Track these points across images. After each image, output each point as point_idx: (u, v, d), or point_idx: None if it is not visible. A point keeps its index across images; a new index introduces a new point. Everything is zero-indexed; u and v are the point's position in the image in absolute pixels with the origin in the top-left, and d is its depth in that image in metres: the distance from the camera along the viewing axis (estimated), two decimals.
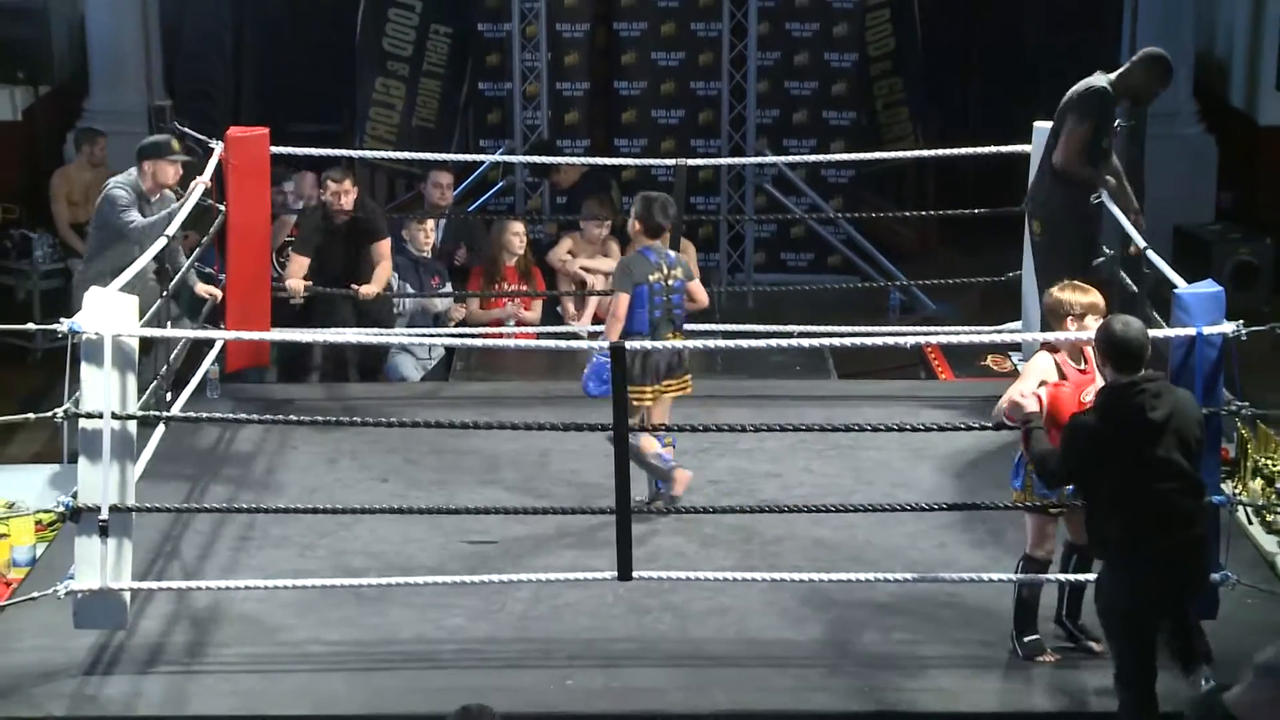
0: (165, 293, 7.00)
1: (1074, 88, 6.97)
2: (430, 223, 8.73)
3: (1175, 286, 5.83)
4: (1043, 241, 7.15)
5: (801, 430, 6.56)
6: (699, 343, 6.56)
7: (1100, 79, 6.92)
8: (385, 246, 8.17)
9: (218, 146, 7.53)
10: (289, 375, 8.51)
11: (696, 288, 6.53)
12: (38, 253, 9.95)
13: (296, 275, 8.02)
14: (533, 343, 8.17)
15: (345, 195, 8.03)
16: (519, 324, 8.92)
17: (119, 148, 9.46)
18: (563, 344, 7.18)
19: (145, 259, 6.72)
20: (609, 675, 5.53)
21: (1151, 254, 6.51)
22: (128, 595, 5.56)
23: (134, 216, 7.16)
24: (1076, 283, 5.62)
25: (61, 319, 5.44)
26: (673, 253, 6.62)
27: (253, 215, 7.67)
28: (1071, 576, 5.59)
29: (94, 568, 5.44)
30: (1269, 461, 6.84)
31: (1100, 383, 5.10)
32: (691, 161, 8.49)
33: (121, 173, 7.37)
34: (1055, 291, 5.56)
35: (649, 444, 6.37)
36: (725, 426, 6.25)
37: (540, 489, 6.84)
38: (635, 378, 6.22)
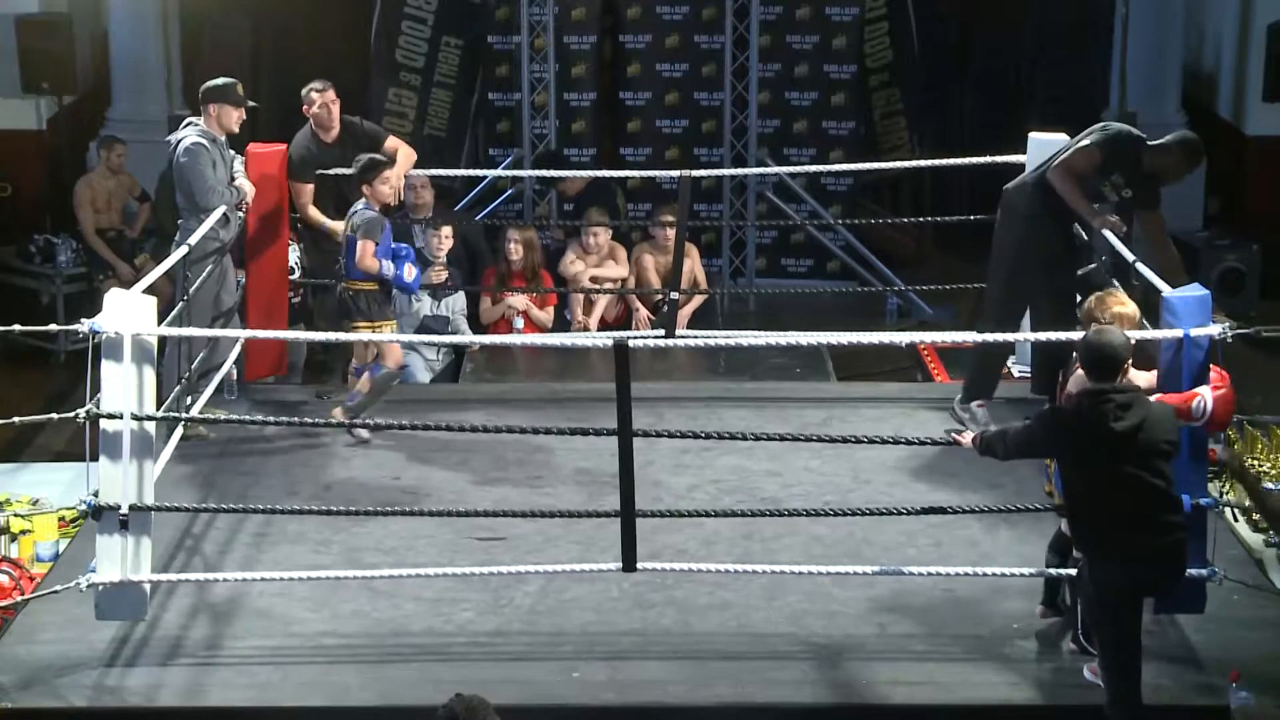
0: (184, 298, 7.11)
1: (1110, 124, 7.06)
2: (446, 229, 8.83)
3: (1162, 291, 5.92)
4: (995, 233, 7.30)
5: (801, 439, 6.68)
6: (701, 343, 6.72)
7: (1135, 132, 7.00)
8: (395, 142, 7.88)
9: (238, 159, 7.66)
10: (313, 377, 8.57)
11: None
12: (61, 258, 10.05)
13: (307, 206, 7.76)
14: (539, 340, 8.28)
15: (332, 105, 7.72)
16: (528, 320, 9.06)
17: (139, 155, 9.65)
18: (570, 343, 7.31)
19: (217, 215, 7.18)
20: (614, 668, 5.61)
21: (1140, 266, 6.63)
22: (148, 587, 5.66)
23: (210, 174, 7.22)
24: (1115, 293, 5.88)
25: (83, 319, 5.54)
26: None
27: (271, 229, 7.76)
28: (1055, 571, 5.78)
29: (115, 561, 5.55)
30: (1255, 462, 6.94)
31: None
32: (694, 173, 8.63)
33: (188, 131, 7.31)
34: (1092, 298, 5.82)
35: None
36: (729, 434, 6.38)
37: (547, 486, 6.93)
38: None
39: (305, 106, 7.88)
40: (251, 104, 7.49)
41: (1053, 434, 5.04)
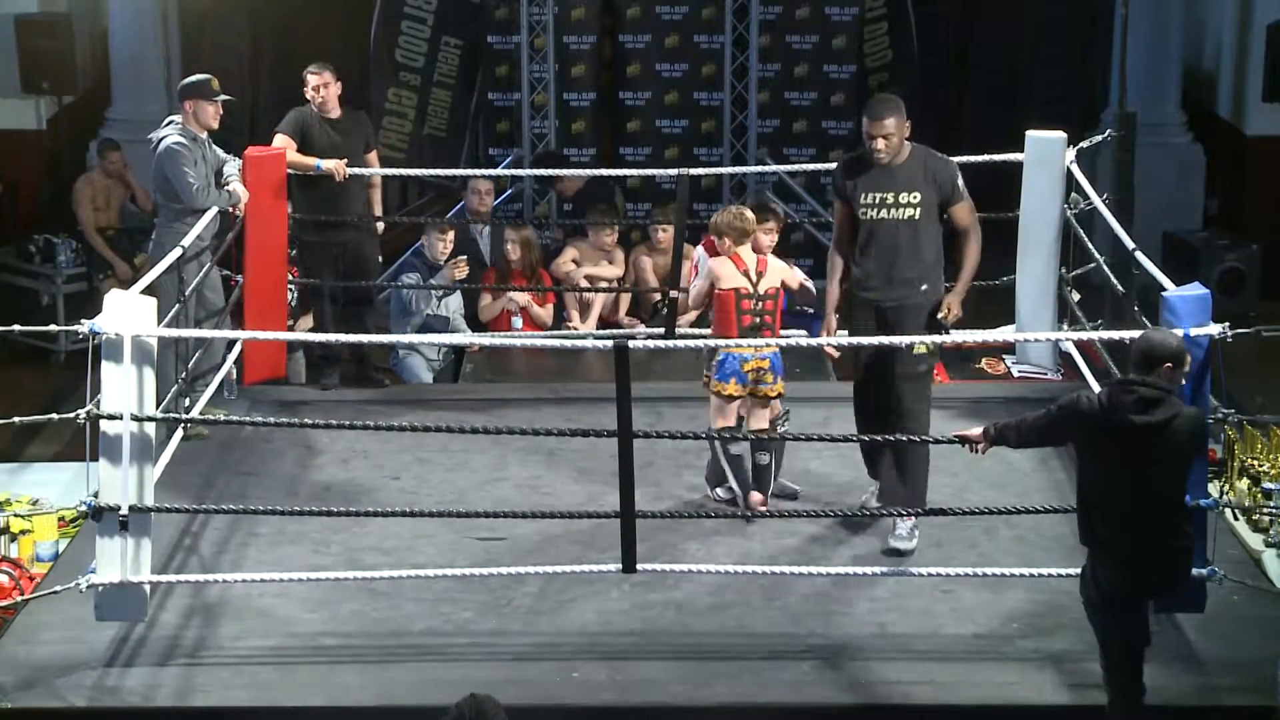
0: (181, 299, 7.11)
1: None
2: (451, 232, 8.84)
3: (1164, 290, 5.91)
4: None
5: (801, 439, 6.69)
6: (701, 343, 6.71)
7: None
8: (374, 158, 8.10)
9: (236, 162, 7.65)
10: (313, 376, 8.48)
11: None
12: (61, 257, 10.02)
13: (291, 156, 7.76)
14: (540, 341, 8.24)
15: (326, 89, 7.87)
16: (527, 317, 9.05)
17: (138, 155, 9.62)
18: (570, 343, 7.30)
19: (209, 216, 7.16)
20: (613, 668, 5.62)
21: (1140, 256, 6.62)
22: (147, 588, 5.66)
23: (193, 175, 7.22)
24: (743, 208, 6.47)
25: (83, 320, 5.54)
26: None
27: (270, 232, 7.74)
28: None
29: (114, 562, 5.56)
30: (1255, 462, 6.94)
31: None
32: (693, 171, 8.63)
33: (169, 130, 7.32)
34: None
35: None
36: (729, 434, 6.39)
37: (547, 486, 6.95)
38: None
39: (302, 87, 7.97)
40: (226, 97, 7.47)
41: (1072, 421, 4.98)
